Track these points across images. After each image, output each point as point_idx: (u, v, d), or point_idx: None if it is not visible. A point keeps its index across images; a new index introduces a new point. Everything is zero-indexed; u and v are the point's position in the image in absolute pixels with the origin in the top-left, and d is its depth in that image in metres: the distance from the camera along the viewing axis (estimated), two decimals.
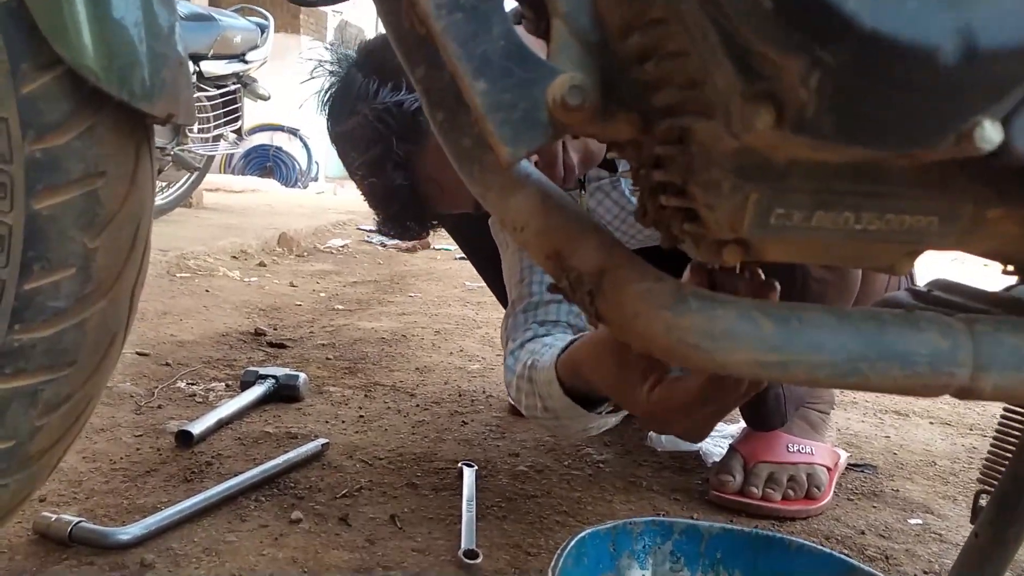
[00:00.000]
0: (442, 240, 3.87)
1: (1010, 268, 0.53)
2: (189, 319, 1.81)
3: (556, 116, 0.45)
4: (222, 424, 1.14)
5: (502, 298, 1.28)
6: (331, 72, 1.00)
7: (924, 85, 0.32)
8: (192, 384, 1.33)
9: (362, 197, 1.02)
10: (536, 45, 0.52)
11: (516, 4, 0.50)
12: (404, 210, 0.96)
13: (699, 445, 1.14)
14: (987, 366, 0.43)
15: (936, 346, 0.43)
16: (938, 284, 0.57)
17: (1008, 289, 0.55)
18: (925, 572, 0.83)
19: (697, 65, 0.38)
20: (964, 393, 0.44)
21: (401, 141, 0.91)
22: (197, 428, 1.08)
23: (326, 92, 1.00)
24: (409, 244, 3.57)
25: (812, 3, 0.30)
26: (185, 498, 0.87)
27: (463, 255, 3.36)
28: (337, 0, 0.65)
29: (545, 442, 1.16)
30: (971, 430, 1.34)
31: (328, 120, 1.01)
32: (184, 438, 1.06)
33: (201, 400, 1.26)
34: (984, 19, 0.30)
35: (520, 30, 0.54)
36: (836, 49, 0.31)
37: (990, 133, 0.33)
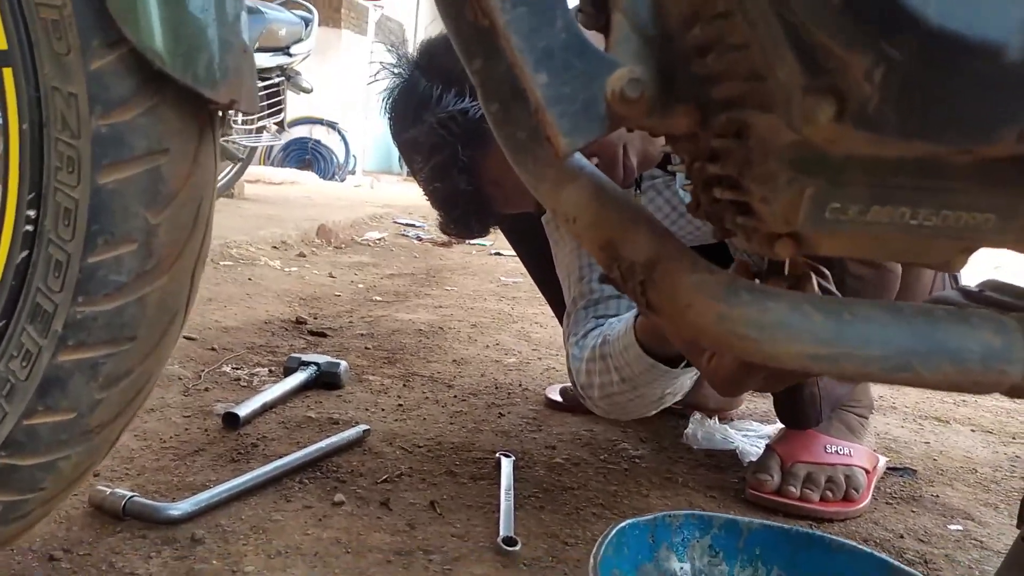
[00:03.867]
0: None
1: None
2: (233, 306, 1.86)
3: (614, 108, 0.46)
4: (267, 408, 1.17)
5: (550, 296, 1.29)
6: (394, 74, 1.02)
7: (989, 81, 0.33)
8: (237, 368, 1.37)
9: (425, 198, 1.04)
10: (594, 39, 0.53)
11: None
12: (468, 212, 0.99)
13: (734, 443, 1.14)
14: None
15: (989, 343, 0.43)
16: (990, 284, 0.57)
17: None
18: None
19: (759, 58, 0.39)
20: (1016, 391, 0.44)
21: (466, 147, 0.93)
22: (243, 411, 1.10)
23: (389, 95, 1.02)
24: (444, 238, 3.59)
25: None
26: (232, 477, 0.90)
27: (497, 251, 3.37)
28: None
29: (581, 436, 1.17)
30: (1014, 439, 1.31)
31: (392, 124, 1.03)
32: (231, 420, 1.09)
33: (246, 384, 1.29)
34: None
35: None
36: (903, 45, 0.32)
37: None
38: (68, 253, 0.53)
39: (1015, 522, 0.95)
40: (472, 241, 3.65)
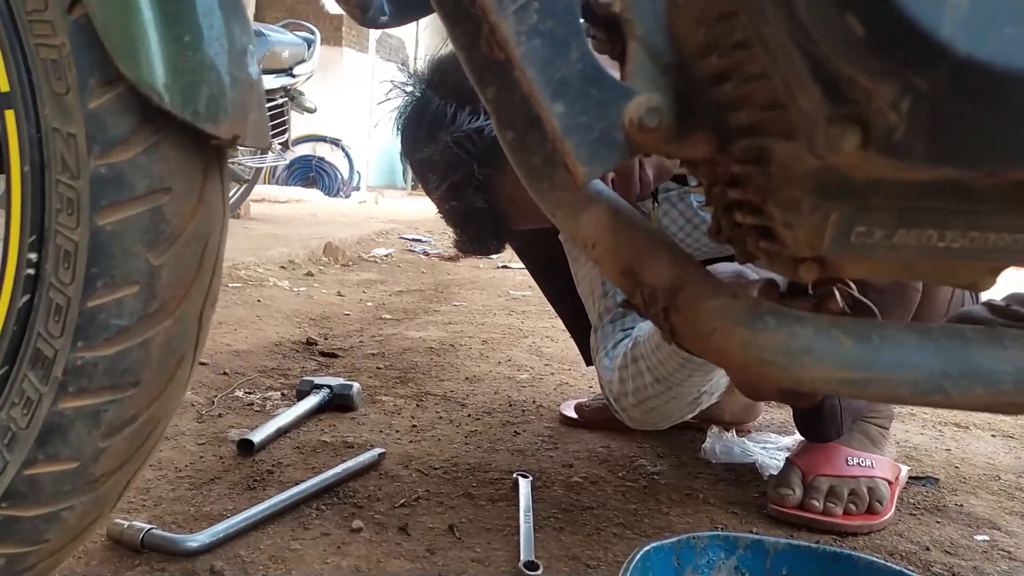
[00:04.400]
0: None
1: None
2: (243, 328, 1.86)
3: (632, 137, 0.46)
4: (281, 433, 1.16)
5: (562, 311, 1.29)
6: (406, 92, 1.02)
7: (1018, 107, 0.32)
8: (249, 393, 1.36)
9: (440, 217, 1.04)
10: (606, 63, 0.53)
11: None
12: (484, 230, 0.99)
13: (754, 457, 1.13)
14: None
15: (1021, 364, 0.43)
16: (1017, 298, 0.56)
17: None
18: None
19: (780, 88, 0.39)
20: None
21: (481, 166, 0.93)
22: (257, 437, 1.10)
23: (400, 114, 1.02)
24: (452, 253, 3.60)
25: (906, 31, 0.31)
26: (249, 506, 0.89)
27: (504, 264, 3.37)
28: (406, 21, 0.67)
29: (598, 453, 1.16)
30: None
31: (404, 144, 1.03)
32: (245, 447, 1.08)
33: (259, 409, 1.29)
34: None
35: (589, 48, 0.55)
36: (930, 75, 0.31)
37: None
38: (68, 296, 0.51)
39: None
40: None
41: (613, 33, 0.51)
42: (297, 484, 0.96)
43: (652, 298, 0.51)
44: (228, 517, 0.86)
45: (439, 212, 1.03)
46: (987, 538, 0.94)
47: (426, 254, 3.66)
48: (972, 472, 1.16)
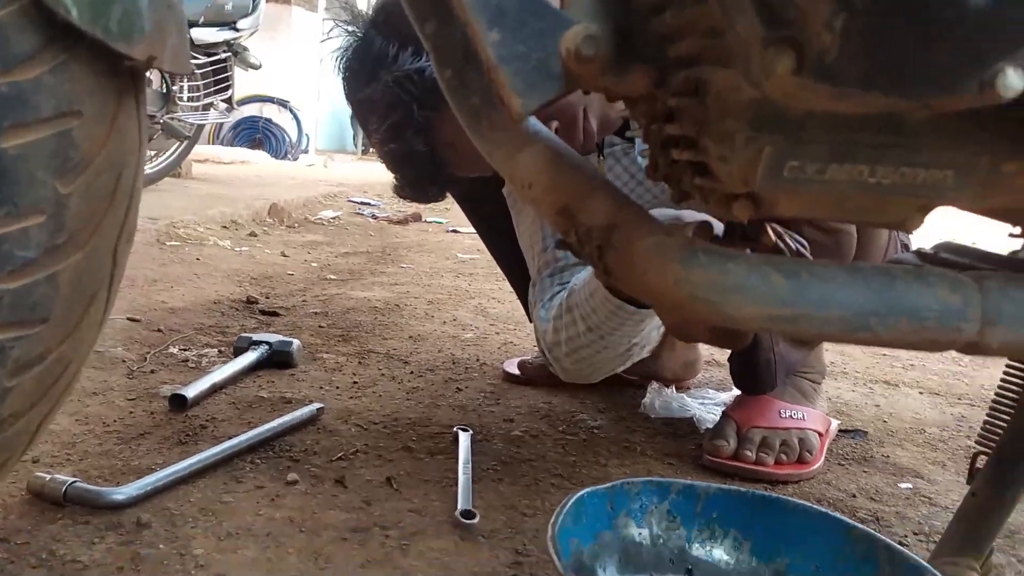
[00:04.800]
0: (433, 212, 3.86)
1: (1017, 230, 0.54)
2: (180, 286, 1.80)
3: (570, 67, 0.45)
4: (216, 388, 1.13)
5: (507, 268, 1.28)
6: (348, 32, 0.99)
7: (951, 27, 0.32)
8: (184, 350, 1.33)
9: (380, 160, 1.02)
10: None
11: None
12: (423, 175, 0.97)
13: (691, 411, 1.15)
14: (995, 321, 0.43)
15: (945, 301, 0.43)
16: (945, 246, 0.57)
17: (1016, 253, 0.56)
18: (915, 533, 0.85)
19: (717, 12, 0.38)
20: (971, 348, 0.44)
21: (421, 108, 0.91)
22: (191, 392, 1.07)
23: (343, 54, 0.99)
24: (401, 216, 3.55)
25: None
26: (180, 460, 0.87)
27: (454, 228, 3.33)
28: None
29: (539, 408, 1.17)
30: (959, 399, 1.35)
31: (345, 83, 1.00)
32: (178, 402, 1.05)
33: (194, 366, 1.25)
34: None
35: None
36: None
37: (1013, 80, 0.33)
38: None
39: (962, 479, 0.98)
40: (429, 219, 3.62)
41: None
42: (231, 439, 0.94)
43: (587, 237, 0.50)
44: (157, 471, 0.83)
45: (378, 155, 1.01)
46: (910, 486, 0.97)
47: (375, 217, 3.60)
48: (899, 426, 1.20)
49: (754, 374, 1.00)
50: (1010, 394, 0.60)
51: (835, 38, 0.32)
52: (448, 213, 3.83)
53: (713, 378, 1.35)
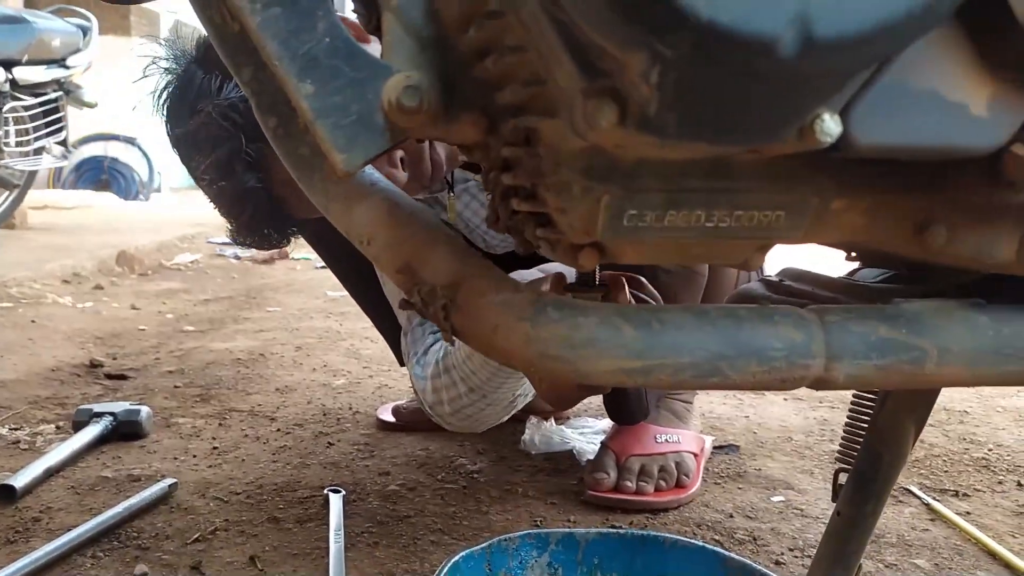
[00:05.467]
0: (301, 249, 3.71)
1: (853, 255, 0.55)
2: (12, 355, 1.62)
3: (393, 119, 0.41)
4: (51, 473, 1.02)
5: (374, 313, 1.22)
6: (167, 70, 0.90)
7: (764, 78, 0.31)
8: (15, 429, 1.19)
9: (211, 204, 0.93)
10: (368, 44, 0.48)
11: None
12: (258, 216, 0.88)
13: (571, 444, 1.13)
14: (839, 356, 0.43)
15: (791, 339, 0.43)
16: (788, 273, 0.58)
17: (852, 273, 0.57)
18: (791, 549, 0.86)
19: (537, 60, 0.36)
20: (820, 384, 0.44)
21: (250, 140, 0.83)
22: (21, 480, 0.96)
23: (162, 91, 0.90)
24: (266, 255, 3.39)
25: None
26: (8, 563, 0.77)
27: (324, 264, 3.23)
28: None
29: (416, 457, 1.12)
30: (820, 403, 1.42)
31: (167, 122, 0.91)
32: (5, 493, 0.94)
33: (26, 447, 1.12)
34: (821, 8, 0.29)
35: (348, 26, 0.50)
36: (674, 42, 0.29)
37: (830, 126, 0.33)
38: None
39: (829, 486, 1.02)
40: (296, 256, 3.48)
41: (369, 5, 0.46)
42: (69, 531, 0.84)
43: (431, 296, 0.47)
44: None
45: (206, 195, 0.92)
46: (783, 498, 1.00)
47: (237, 258, 3.42)
48: (768, 436, 1.24)
49: (626, 406, 0.99)
50: (862, 412, 0.62)
51: (652, 90, 0.31)
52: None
53: (591, 405, 1.34)
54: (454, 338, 0.88)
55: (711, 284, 0.96)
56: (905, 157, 0.37)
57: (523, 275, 0.74)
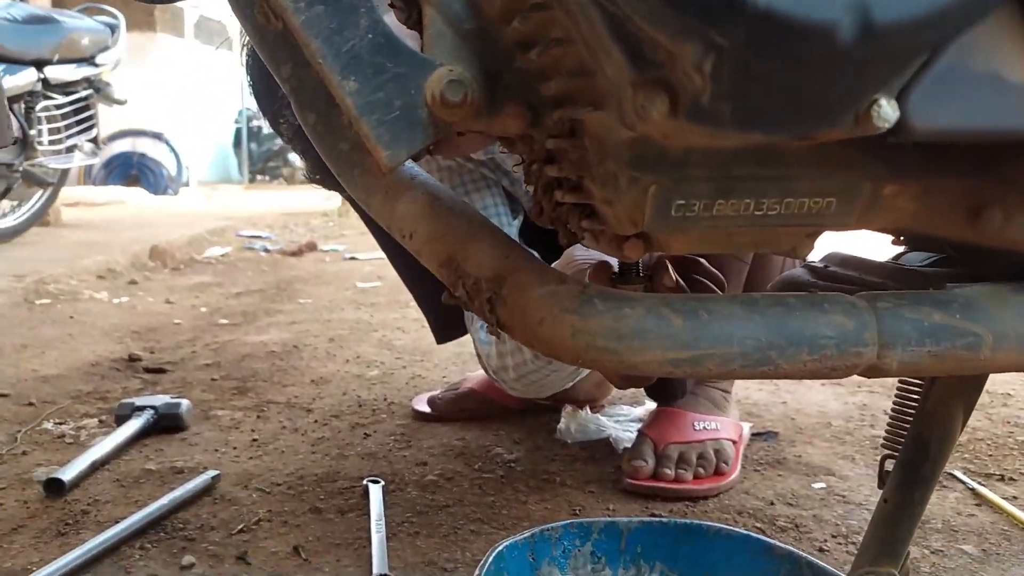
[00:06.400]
0: (329, 241, 3.74)
1: (901, 238, 0.54)
2: (52, 350, 1.66)
3: (437, 113, 0.41)
4: (97, 466, 1.04)
5: (413, 283, 1.20)
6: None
7: (822, 64, 0.31)
8: (60, 424, 1.21)
9: (289, 144, 0.96)
10: (408, 37, 0.48)
11: None
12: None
13: (608, 432, 1.13)
14: (892, 343, 0.42)
15: (842, 328, 0.42)
16: (833, 259, 0.57)
17: (897, 257, 0.56)
18: (834, 536, 0.86)
19: (584, 52, 0.35)
20: (872, 371, 0.43)
21: None
22: (68, 474, 0.98)
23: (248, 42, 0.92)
24: (294, 247, 3.43)
25: None
26: (59, 555, 0.79)
27: (352, 255, 3.24)
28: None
29: (453, 447, 1.13)
30: (859, 388, 1.40)
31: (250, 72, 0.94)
32: (54, 486, 0.96)
33: (71, 441, 1.15)
34: None
35: (390, 20, 0.50)
36: (730, 31, 0.29)
37: (887, 111, 0.32)
38: None
39: (871, 471, 1.01)
40: (324, 247, 3.51)
41: (409, 0, 0.46)
42: (117, 523, 0.86)
43: (476, 290, 0.47)
44: (34, 571, 0.75)
45: (285, 139, 0.95)
46: (824, 485, 0.99)
47: (266, 251, 3.46)
48: (807, 422, 1.23)
49: (666, 382, 1.00)
50: (909, 397, 0.61)
51: (706, 80, 0.30)
52: (344, 239, 3.73)
53: (626, 393, 1.34)
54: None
55: (755, 271, 0.95)
56: (963, 141, 0.36)
57: (576, 255, 0.73)
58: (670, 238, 0.43)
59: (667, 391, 1.04)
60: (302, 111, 0.55)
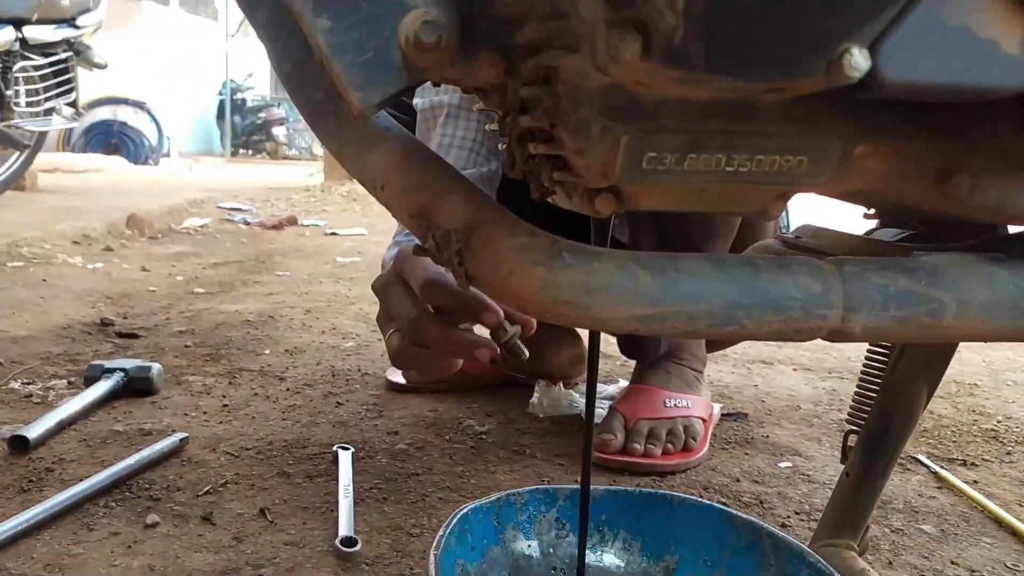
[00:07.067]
0: (310, 216, 3.71)
1: (871, 212, 0.54)
2: (23, 312, 1.63)
3: (410, 56, 0.41)
4: (63, 425, 1.02)
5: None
6: None
7: (795, 7, 0.30)
8: (28, 384, 1.20)
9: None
10: None
11: None
12: None
13: (580, 408, 1.14)
14: (857, 307, 0.42)
15: (808, 289, 0.42)
16: (806, 230, 0.57)
17: (870, 232, 0.56)
18: (796, 513, 0.87)
19: None
20: (836, 335, 0.43)
21: None
22: (33, 432, 0.96)
23: None
24: (275, 221, 3.39)
25: None
26: (21, 510, 0.78)
27: (333, 231, 3.22)
28: None
29: (425, 417, 1.12)
30: (830, 374, 1.41)
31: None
32: (18, 444, 0.95)
33: (39, 400, 1.13)
34: None
35: None
36: None
37: (859, 60, 0.32)
38: None
39: (837, 453, 1.02)
40: (305, 222, 3.48)
41: None
42: (81, 481, 0.85)
43: (445, 241, 0.46)
44: None
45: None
46: (790, 464, 1.00)
47: (247, 223, 3.43)
48: (776, 405, 1.24)
49: (640, 340, 1.01)
50: (874, 373, 0.61)
51: (679, 18, 0.30)
52: (326, 215, 3.70)
53: (600, 370, 1.34)
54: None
55: (749, 234, 0.96)
56: (933, 97, 0.36)
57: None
58: (641, 192, 0.42)
59: (640, 348, 1.06)
60: (278, 60, 0.54)
